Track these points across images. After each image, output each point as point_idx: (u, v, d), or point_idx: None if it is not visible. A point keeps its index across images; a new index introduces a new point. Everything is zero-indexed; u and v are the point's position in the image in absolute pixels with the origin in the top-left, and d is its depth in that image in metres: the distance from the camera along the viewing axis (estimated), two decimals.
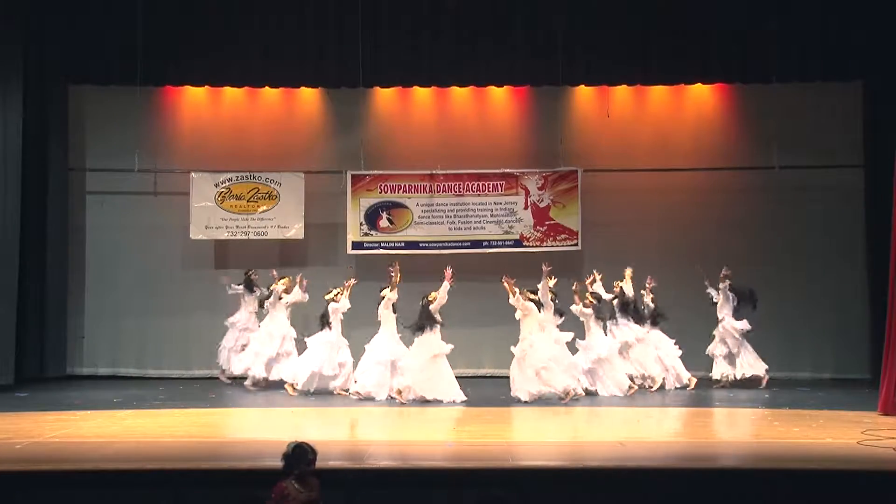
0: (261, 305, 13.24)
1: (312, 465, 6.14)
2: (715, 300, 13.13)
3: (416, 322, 11.85)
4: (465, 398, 11.64)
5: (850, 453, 7.99)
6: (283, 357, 12.83)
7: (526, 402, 11.46)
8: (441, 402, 11.53)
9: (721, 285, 13.06)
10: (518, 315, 11.89)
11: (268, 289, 13.18)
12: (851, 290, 13.99)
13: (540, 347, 11.67)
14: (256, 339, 12.94)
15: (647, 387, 12.64)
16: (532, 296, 11.94)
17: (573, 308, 12.30)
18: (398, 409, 11.06)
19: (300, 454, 6.10)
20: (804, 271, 14.13)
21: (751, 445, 9.00)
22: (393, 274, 12.20)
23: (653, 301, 13.11)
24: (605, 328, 12.60)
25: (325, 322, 12.48)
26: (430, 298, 11.86)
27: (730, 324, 12.99)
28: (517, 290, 11.89)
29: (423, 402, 11.53)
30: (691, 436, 9.68)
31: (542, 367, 11.57)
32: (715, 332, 13.12)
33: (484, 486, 7.01)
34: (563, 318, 12.22)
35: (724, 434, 9.92)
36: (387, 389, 11.81)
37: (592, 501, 7.06)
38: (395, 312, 12.24)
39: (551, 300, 12.01)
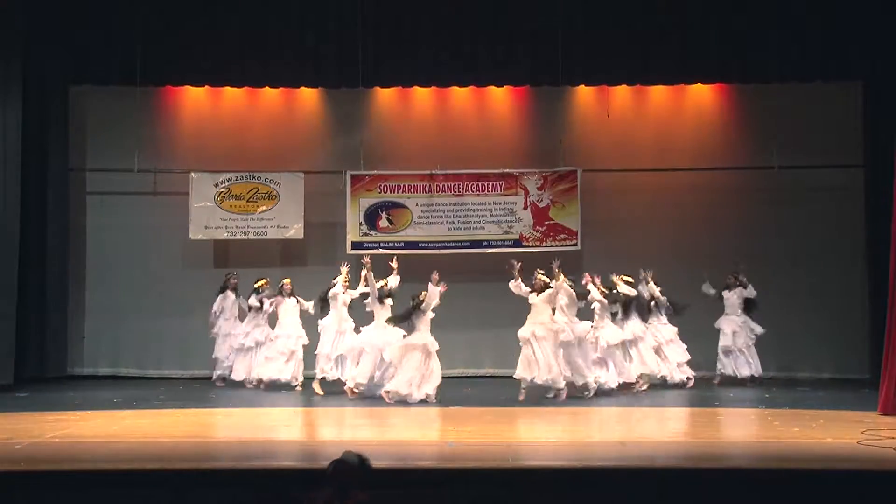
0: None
1: (349, 481, 5.39)
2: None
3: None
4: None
5: (850, 453, 7.98)
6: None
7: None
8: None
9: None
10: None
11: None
12: (851, 290, 13.98)
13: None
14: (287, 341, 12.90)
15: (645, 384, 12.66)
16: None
17: (592, 294, 12.28)
18: (398, 409, 11.04)
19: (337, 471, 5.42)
20: (804, 271, 14.12)
21: (751, 445, 9.00)
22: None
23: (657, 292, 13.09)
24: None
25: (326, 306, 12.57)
26: (420, 298, 11.69)
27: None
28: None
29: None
30: (691, 436, 9.68)
31: None
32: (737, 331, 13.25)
33: (484, 486, 7.01)
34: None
35: (725, 434, 9.91)
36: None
37: (592, 501, 7.05)
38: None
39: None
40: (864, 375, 13.29)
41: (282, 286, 13.07)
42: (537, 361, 11.50)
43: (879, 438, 8.46)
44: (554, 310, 11.81)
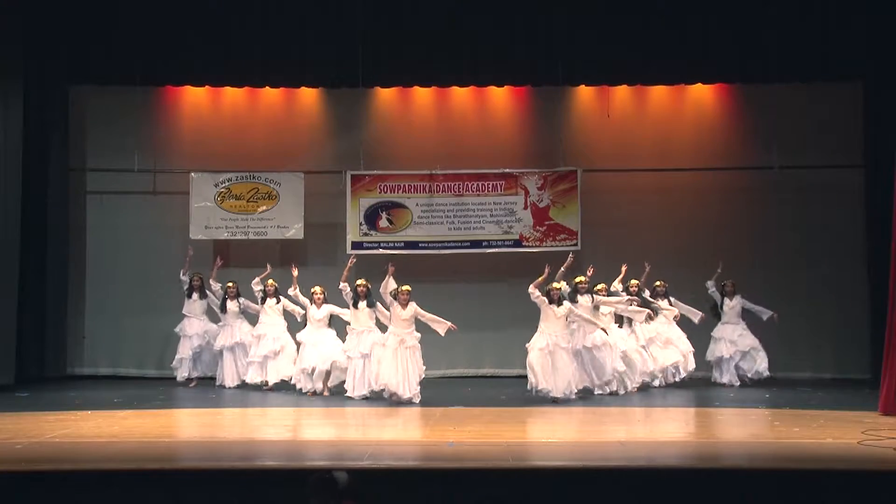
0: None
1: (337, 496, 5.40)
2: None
3: None
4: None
5: (851, 453, 7.98)
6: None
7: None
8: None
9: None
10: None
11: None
12: (851, 290, 13.98)
13: None
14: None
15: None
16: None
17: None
18: (396, 410, 11.04)
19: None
20: (804, 271, 14.13)
21: (751, 445, 9.00)
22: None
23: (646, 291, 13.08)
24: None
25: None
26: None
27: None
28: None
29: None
30: (691, 435, 9.67)
31: None
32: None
33: (484, 486, 7.01)
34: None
35: (725, 434, 9.91)
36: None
37: (592, 501, 7.05)
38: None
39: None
40: (864, 375, 13.29)
41: (265, 287, 12.99)
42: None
43: (879, 438, 8.46)
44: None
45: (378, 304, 11.98)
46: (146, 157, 14.24)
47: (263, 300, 12.98)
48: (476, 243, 14.22)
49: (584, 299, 11.94)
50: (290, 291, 12.65)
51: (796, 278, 14.12)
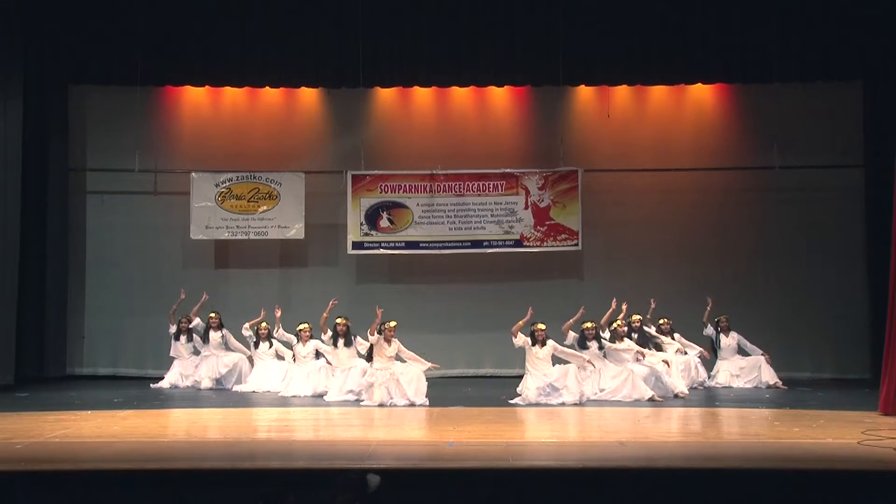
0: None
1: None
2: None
3: None
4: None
5: (851, 453, 7.97)
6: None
7: None
8: None
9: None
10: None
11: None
12: (851, 290, 13.99)
13: None
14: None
15: None
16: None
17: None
18: (395, 410, 11.04)
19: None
20: (804, 271, 14.14)
21: (751, 445, 8.99)
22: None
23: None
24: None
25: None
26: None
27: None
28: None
29: None
30: (691, 436, 9.67)
31: None
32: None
33: (484, 486, 7.01)
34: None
35: (725, 434, 9.90)
36: None
37: (592, 501, 7.05)
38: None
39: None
40: (864, 375, 13.32)
41: (257, 331, 12.98)
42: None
43: (879, 438, 8.46)
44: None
45: (357, 336, 11.94)
46: (147, 157, 14.23)
47: (256, 345, 13.00)
48: (477, 243, 14.22)
49: (592, 345, 11.75)
50: (275, 333, 12.78)
51: (796, 278, 14.13)
